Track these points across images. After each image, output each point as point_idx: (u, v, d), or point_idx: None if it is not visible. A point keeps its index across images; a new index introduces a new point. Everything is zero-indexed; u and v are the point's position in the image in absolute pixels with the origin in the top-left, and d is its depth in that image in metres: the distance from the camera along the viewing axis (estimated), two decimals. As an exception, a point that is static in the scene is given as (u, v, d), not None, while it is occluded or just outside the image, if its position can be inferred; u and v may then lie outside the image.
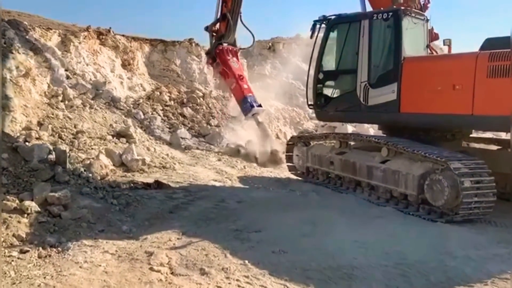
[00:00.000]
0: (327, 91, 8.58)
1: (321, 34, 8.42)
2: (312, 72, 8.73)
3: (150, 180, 7.90)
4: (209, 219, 6.09)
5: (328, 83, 8.57)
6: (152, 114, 13.12)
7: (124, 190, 7.02)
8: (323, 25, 8.39)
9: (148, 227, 5.77)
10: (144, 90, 14.34)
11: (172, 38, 16.21)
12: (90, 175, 7.32)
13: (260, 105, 12.09)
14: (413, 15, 7.71)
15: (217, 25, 12.32)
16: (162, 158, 9.84)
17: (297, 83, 19.66)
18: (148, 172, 8.70)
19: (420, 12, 7.95)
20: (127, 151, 8.92)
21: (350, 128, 14.67)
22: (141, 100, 13.49)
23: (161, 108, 13.65)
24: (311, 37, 8.44)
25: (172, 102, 14.16)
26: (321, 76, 8.52)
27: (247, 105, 11.75)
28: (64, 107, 10.14)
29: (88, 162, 7.79)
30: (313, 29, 8.41)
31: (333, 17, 8.37)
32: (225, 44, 12.16)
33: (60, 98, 10.28)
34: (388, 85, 7.58)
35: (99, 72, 12.61)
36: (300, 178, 9.87)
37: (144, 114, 12.86)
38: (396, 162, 7.35)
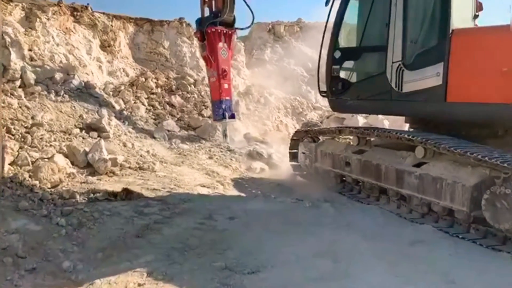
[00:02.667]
0: (346, 74, 6.82)
1: (338, 1, 6.63)
2: (325, 50, 6.95)
3: (118, 187, 6.19)
4: (188, 249, 4.39)
5: (347, 64, 6.80)
6: (135, 103, 11.39)
7: (79, 204, 5.30)
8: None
9: (101, 262, 4.09)
10: (127, 76, 12.59)
11: (160, 17, 14.39)
12: (37, 182, 5.61)
13: (233, 116, 10.47)
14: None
15: None
16: (141, 156, 8.12)
17: (300, 69, 17.93)
18: (119, 175, 6.99)
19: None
20: (95, 148, 7.20)
21: (361, 120, 12.97)
22: (122, 87, 11.73)
23: (145, 96, 11.91)
24: (326, 4, 6.65)
25: (159, 89, 12.41)
26: (337, 54, 6.75)
27: (219, 112, 10.20)
28: (23, 95, 8.39)
29: (38, 164, 6.06)
30: (328, -6, 6.63)
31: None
32: (219, 26, 10.25)
33: (18, 83, 8.52)
34: (431, 66, 5.84)
35: (72, 54, 10.83)
36: (307, 181, 8.19)
37: (125, 103, 11.13)
38: (436, 166, 5.64)
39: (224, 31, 10.33)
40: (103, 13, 12.70)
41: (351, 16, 6.72)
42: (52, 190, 5.67)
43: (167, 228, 4.90)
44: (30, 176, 5.73)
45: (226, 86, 10.31)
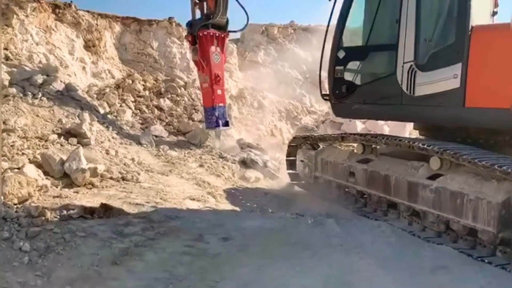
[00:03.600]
0: (351, 76, 6.19)
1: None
2: (328, 49, 6.32)
3: (96, 201, 5.48)
4: (174, 280, 3.71)
5: (352, 64, 6.18)
6: (120, 106, 10.69)
7: (48, 223, 4.58)
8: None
9: (69, 300, 3.39)
10: (113, 78, 11.88)
11: (149, 17, 13.69)
12: (1, 198, 4.87)
13: (227, 123, 9.89)
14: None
15: None
16: (124, 165, 7.41)
17: (294, 72, 17.34)
18: (99, 187, 6.27)
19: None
20: (72, 157, 6.48)
21: (359, 125, 12.40)
22: (107, 90, 11.02)
23: (132, 99, 11.21)
24: (329, -1, 6.03)
25: (147, 92, 11.71)
26: (341, 54, 6.12)
27: (212, 119, 9.62)
28: (-5, 97, 7.64)
29: (4, 176, 5.32)
30: (332, -12, 6.01)
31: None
32: (211, 28, 9.60)
33: (-11, 84, 7.76)
34: (447, 67, 5.24)
35: (52, 54, 10.11)
36: (306, 192, 7.55)
37: (110, 107, 10.43)
38: (454, 179, 5.02)
39: (217, 34, 9.70)
40: (88, 11, 11.98)
41: (357, 12, 6.10)
42: (19, 206, 4.95)
43: (150, 252, 4.21)
44: (-7, 191, 5.02)
45: (219, 92, 9.71)
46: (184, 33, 13.00)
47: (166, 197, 6.09)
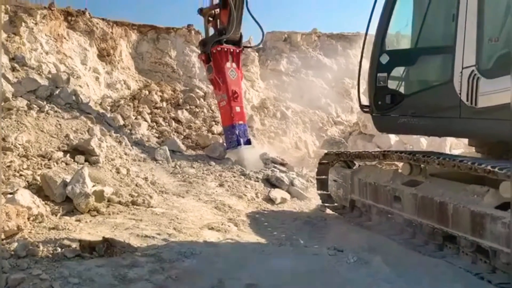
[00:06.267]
0: (396, 85, 5.25)
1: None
2: (367, 54, 5.41)
3: (99, 233, 4.68)
4: None
5: (398, 70, 5.25)
6: (136, 119, 10.02)
7: (35, 266, 3.77)
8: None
9: None
10: (129, 89, 11.25)
11: (167, 24, 13.06)
12: (-16, 232, 4.11)
13: (249, 141, 9.33)
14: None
15: (216, 10, 9.25)
16: (136, 185, 6.63)
17: (319, 81, 16.48)
18: (105, 214, 5.48)
19: None
20: (76, 178, 5.70)
21: (393, 137, 11.37)
22: (122, 101, 10.38)
23: (148, 111, 10.54)
24: (369, -6, 5.15)
25: (164, 103, 11.03)
26: (385, 59, 5.20)
27: (232, 138, 9.12)
28: (-2, 111, 6.99)
29: (-8, 204, 4.57)
30: (372, -18, 5.12)
31: (407, -40, 5.07)
32: (225, 43, 9.20)
33: (-9, 97, 7.13)
34: (519, 73, 4.27)
35: (63, 64, 9.51)
36: (340, 216, 6.62)
37: (124, 120, 9.75)
38: (534, 210, 4.03)
39: (231, 50, 9.34)
40: (103, 19, 11.43)
41: (403, 10, 5.18)
42: (6, 241, 4.17)
43: (158, 307, 3.35)
44: (-24, 224, 4.27)
45: (238, 109, 9.24)
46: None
47: (180, 227, 5.24)
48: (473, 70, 4.63)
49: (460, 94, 4.73)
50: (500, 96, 4.52)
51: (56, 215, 5.15)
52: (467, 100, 4.68)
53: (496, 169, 4.29)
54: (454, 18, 4.73)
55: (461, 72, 4.70)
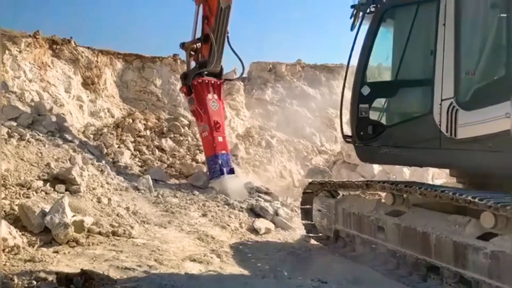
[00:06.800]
0: (377, 115, 5.35)
1: (367, 24, 5.26)
2: (350, 85, 5.51)
3: (77, 265, 4.54)
4: None
5: (379, 102, 5.35)
6: (118, 147, 9.92)
7: (8, 301, 3.64)
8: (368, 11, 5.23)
9: None
10: (112, 117, 11.17)
11: (152, 54, 13.12)
12: (-44, 266, 3.96)
13: (232, 170, 9.34)
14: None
15: (198, 44, 9.44)
16: (117, 215, 6.50)
17: (303, 110, 16.64)
18: (84, 245, 5.34)
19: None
20: (55, 208, 5.59)
21: (376, 167, 11.46)
22: (105, 130, 10.29)
23: (132, 139, 10.46)
24: (352, 28, 5.29)
25: (148, 131, 10.97)
26: (366, 90, 5.31)
27: (215, 168, 9.11)
28: (-25, 139, 6.88)
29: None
30: (354, 17, 5.27)
31: (387, -4, 5.24)
32: (206, 76, 9.43)
33: (-30, 125, 7.03)
34: (497, 105, 4.39)
35: (46, 92, 9.43)
36: (325, 247, 6.57)
37: (107, 148, 9.64)
38: (514, 240, 4.06)
39: (212, 82, 9.54)
40: (88, 48, 11.42)
41: (384, 43, 5.32)
42: (-23, 277, 4.02)
43: None
44: None
45: (220, 139, 9.31)
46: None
47: (161, 258, 5.12)
48: (451, 102, 4.75)
49: (440, 125, 4.83)
50: (479, 128, 4.63)
51: (33, 247, 5.00)
52: (447, 132, 4.78)
53: (476, 200, 4.34)
54: (433, 53, 4.88)
55: (440, 104, 4.81)
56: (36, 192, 6.36)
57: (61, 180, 6.93)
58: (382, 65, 5.53)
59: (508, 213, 4.05)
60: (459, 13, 4.65)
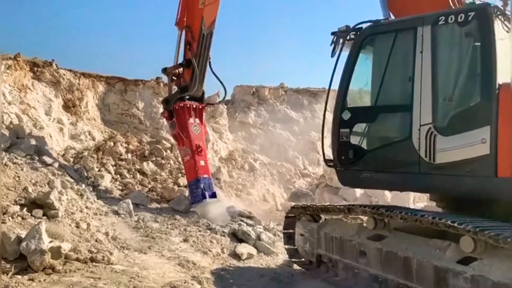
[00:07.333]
0: (358, 140, 5.41)
1: (347, 51, 5.37)
2: (330, 110, 5.59)
3: (52, 295, 4.41)
4: None
5: (359, 126, 5.41)
6: (99, 171, 9.78)
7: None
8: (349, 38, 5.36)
9: None
10: (93, 140, 11.07)
11: (135, 77, 13.14)
12: None
13: (214, 194, 9.27)
14: (503, 19, 4.76)
15: (180, 70, 9.52)
16: (96, 241, 6.36)
17: (286, 133, 16.78)
18: (61, 272, 5.19)
19: (509, 17, 5.00)
20: (32, 234, 5.43)
21: (359, 190, 11.53)
22: (85, 153, 10.15)
23: (113, 163, 10.32)
24: (332, 55, 5.40)
25: (129, 155, 10.86)
26: (346, 115, 5.39)
27: (197, 192, 9.03)
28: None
29: None
30: (334, 43, 5.39)
31: (366, 24, 5.37)
32: (187, 100, 9.47)
33: None
34: (473, 131, 4.52)
35: (26, 114, 9.30)
36: (307, 272, 6.52)
37: (87, 172, 9.49)
38: (494, 265, 4.10)
39: (194, 106, 9.55)
40: (70, 70, 11.38)
41: (364, 69, 5.44)
42: None
43: None
44: None
45: (202, 163, 9.27)
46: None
47: (141, 285, 5.01)
48: (430, 128, 4.85)
49: (419, 150, 4.92)
50: (457, 153, 4.73)
51: (7, 274, 4.84)
52: (426, 156, 4.86)
53: (456, 224, 4.39)
54: (411, 79, 5.00)
55: (419, 130, 4.92)
56: (12, 217, 6.18)
57: (38, 205, 6.76)
58: (362, 91, 5.63)
59: (486, 237, 4.10)
60: (436, 41, 4.80)
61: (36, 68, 10.21)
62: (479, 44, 4.57)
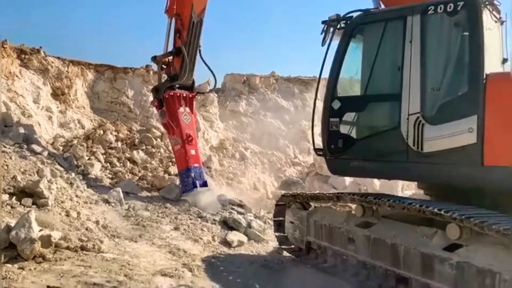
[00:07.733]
0: (347, 129, 5.45)
1: (337, 40, 5.38)
2: (321, 99, 5.61)
3: (43, 282, 4.42)
4: None
5: (349, 116, 5.45)
6: (89, 159, 9.74)
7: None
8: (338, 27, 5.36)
9: None
10: (83, 128, 10.99)
11: (124, 65, 13.00)
12: None
13: (205, 183, 9.27)
14: (491, 9, 4.80)
15: (169, 58, 9.44)
16: (86, 229, 6.36)
17: (277, 122, 16.79)
18: (51, 260, 5.19)
19: (497, 7, 5.04)
20: (21, 223, 5.42)
21: (348, 178, 11.63)
22: (75, 141, 10.09)
23: (102, 151, 10.28)
24: (323, 44, 5.40)
25: (119, 143, 10.81)
26: (336, 105, 5.42)
27: (188, 181, 9.01)
28: None
29: None
30: (324, 32, 5.38)
31: (356, 13, 5.38)
32: (177, 89, 9.39)
33: None
34: (460, 120, 4.58)
35: (14, 102, 9.19)
36: (297, 258, 6.60)
37: (77, 160, 9.45)
38: (479, 251, 4.20)
39: (184, 95, 9.49)
40: (58, 58, 11.23)
41: (354, 58, 5.45)
42: None
43: None
44: None
45: (193, 152, 9.22)
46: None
47: (131, 273, 5.04)
48: (418, 117, 4.90)
49: (407, 139, 4.97)
50: (444, 142, 4.79)
51: (-4, 263, 4.83)
52: (414, 145, 4.92)
53: (442, 212, 4.47)
54: (400, 69, 5.03)
55: (408, 119, 4.96)
56: (1, 206, 6.15)
57: (28, 194, 6.73)
58: (352, 80, 5.66)
59: (472, 225, 4.18)
60: (425, 31, 4.83)
61: (23, 56, 10.08)
62: (467, 34, 4.60)
